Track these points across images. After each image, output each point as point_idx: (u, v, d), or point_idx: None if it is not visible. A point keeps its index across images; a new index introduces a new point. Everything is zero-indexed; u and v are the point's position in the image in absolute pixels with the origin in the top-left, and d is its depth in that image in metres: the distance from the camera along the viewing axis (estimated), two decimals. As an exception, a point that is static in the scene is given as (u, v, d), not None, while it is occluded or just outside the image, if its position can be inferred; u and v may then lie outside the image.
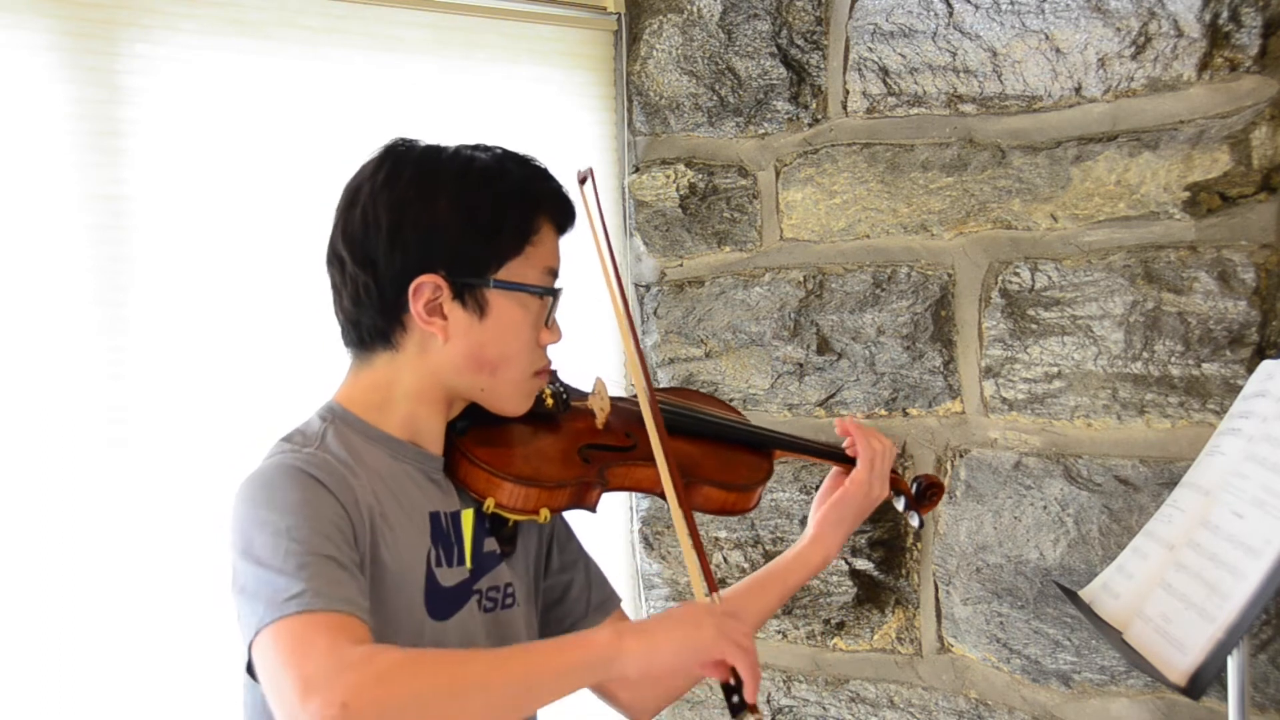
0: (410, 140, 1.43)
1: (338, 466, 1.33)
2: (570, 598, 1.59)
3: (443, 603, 1.38)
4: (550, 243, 1.44)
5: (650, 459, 1.54)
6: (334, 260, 1.42)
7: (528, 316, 1.41)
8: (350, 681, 1.12)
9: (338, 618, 1.18)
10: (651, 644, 1.23)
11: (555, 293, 1.44)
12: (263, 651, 1.18)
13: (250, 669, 1.23)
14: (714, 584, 1.41)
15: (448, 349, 1.39)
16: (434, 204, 1.37)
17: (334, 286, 1.44)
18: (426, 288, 1.36)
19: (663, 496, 1.59)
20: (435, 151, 1.41)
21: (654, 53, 2.67)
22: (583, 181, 1.53)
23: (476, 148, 1.42)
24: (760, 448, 1.73)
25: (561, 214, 1.45)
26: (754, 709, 1.30)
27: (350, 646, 1.15)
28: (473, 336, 1.39)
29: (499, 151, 1.43)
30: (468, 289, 1.38)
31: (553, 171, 1.46)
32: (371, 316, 1.39)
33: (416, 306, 1.37)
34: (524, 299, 1.40)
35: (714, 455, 1.66)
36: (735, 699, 1.30)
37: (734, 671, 1.28)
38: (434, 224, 1.36)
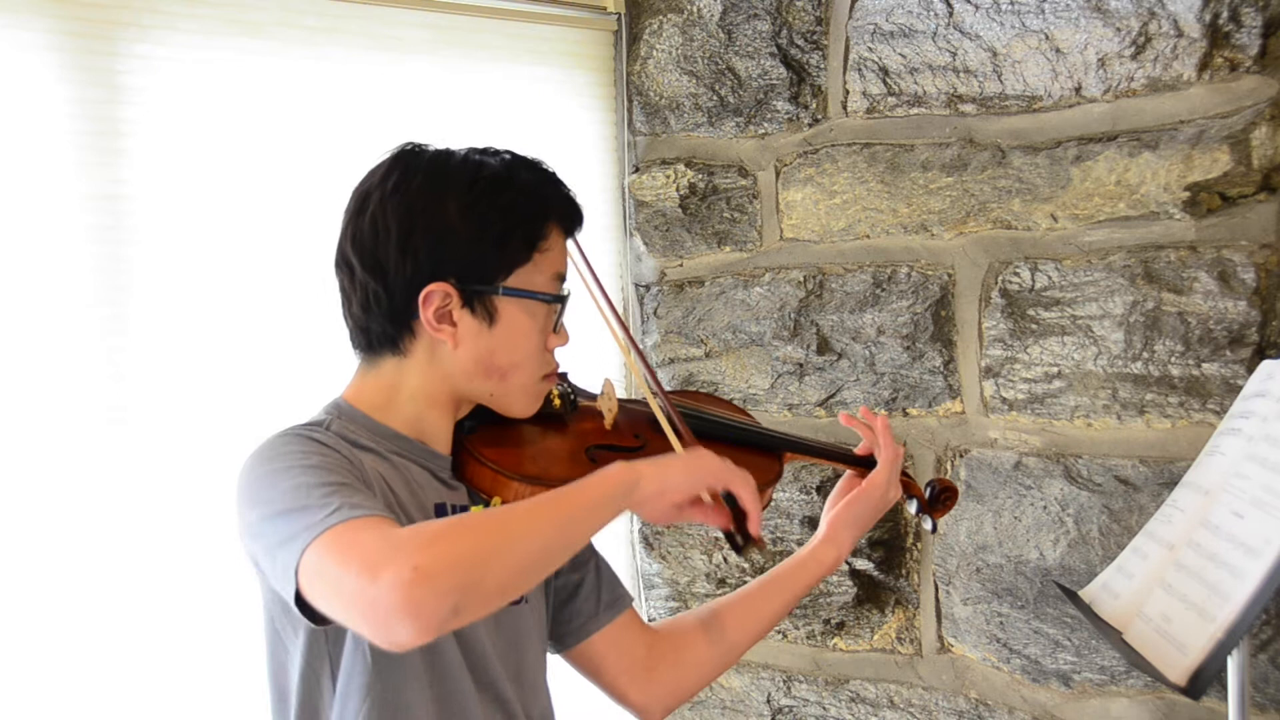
0: (420, 145, 1.43)
1: (342, 443, 1.33)
2: (581, 596, 1.59)
3: None
4: (559, 248, 1.44)
5: None
6: (343, 265, 1.42)
7: (536, 322, 1.42)
8: (412, 548, 1.11)
9: (374, 519, 1.17)
10: (661, 467, 1.32)
11: (564, 299, 1.45)
12: (312, 566, 1.15)
13: (300, 603, 1.18)
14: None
15: (457, 355, 1.40)
16: (444, 211, 1.36)
17: (342, 291, 1.44)
18: (436, 295, 1.36)
19: None
20: (445, 157, 1.41)
21: (654, 53, 2.67)
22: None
23: (485, 152, 1.42)
24: (770, 450, 1.72)
25: (570, 219, 1.45)
26: (759, 541, 1.38)
27: (395, 530, 1.15)
28: (482, 343, 1.39)
29: (508, 157, 1.43)
30: (477, 296, 1.38)
31: (561, 175, 1.46)
32: (381, 323, 1.40)
33: (426, 314, 1.37)
34: (532, 306, 1.41)
35: (724, 456, 1.65)
36: (739, 538, 1.37)
37: (733, 506, 1.36)
38: (444, 232, 1.36)
